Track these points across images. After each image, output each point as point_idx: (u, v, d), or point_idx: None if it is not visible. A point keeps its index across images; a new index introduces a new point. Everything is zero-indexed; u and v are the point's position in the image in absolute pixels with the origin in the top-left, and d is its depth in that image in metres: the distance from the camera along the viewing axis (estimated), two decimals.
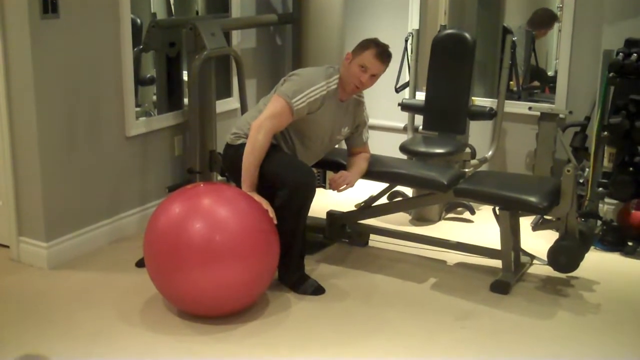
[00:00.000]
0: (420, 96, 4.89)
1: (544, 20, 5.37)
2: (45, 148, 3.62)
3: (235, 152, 3.56)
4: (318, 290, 3.49)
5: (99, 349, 2.95)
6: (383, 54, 3.56)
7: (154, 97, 4.75)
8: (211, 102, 4.41)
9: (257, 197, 3.33)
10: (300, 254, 3.53)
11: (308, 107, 3.47)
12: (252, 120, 3.52)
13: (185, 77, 4.53)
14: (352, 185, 3.69)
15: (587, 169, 4.42)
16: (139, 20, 4.38)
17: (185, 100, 4.49)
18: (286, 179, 3.38)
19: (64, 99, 3.68)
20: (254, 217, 3.17)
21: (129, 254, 3.85)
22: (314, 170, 3.76)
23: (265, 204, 3.31)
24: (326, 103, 3.53)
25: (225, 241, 3.03)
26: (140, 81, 4.48)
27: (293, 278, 3.49)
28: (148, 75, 4.74)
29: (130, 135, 4.08)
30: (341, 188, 3.64)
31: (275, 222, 3.26)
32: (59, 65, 3.62)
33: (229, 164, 3.68)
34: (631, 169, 4.22)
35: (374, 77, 3.58)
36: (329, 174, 3.83)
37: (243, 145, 3.46)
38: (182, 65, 4.61)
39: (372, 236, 4.13)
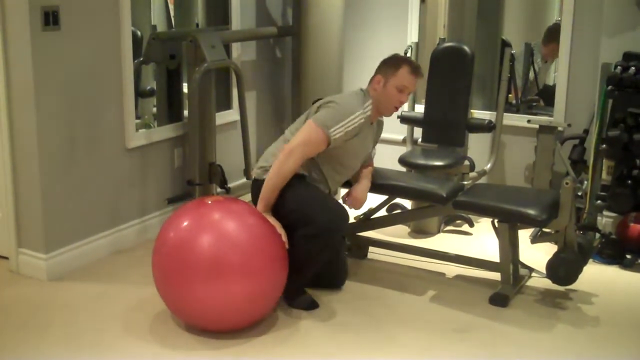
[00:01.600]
0: (420, 109, 4.90)
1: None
2: (45, 159, 3.62)
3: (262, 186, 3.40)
4: (311, 305, 3.44)
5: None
6: (417, 68, 3.54)
7: (154, 109, 4.76)
8: (211, 114, 4.43)
9: (272, 219, 3.26)
10: (306, 280, 3.47)
11: (345, 137, 3.38)
12: (278, 152, 3.43)
13: (185, 89, 4.55)
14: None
15: (585, 182, 4.43)
16: (139, 33, 4.40)
17: (185, 112, 4.51)
18: (317, 219, 3.25)
19: (65, 111, 3.69)
20: (263, 235, 3.14)
21: (129, 265, 3.86)
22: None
23: (279, 227, 3.24)
24: (362, 130, 3.48)
25: (233, 257, 3.00)
26: (140, 93, 4.50)
27: (289, 291, 3.44)
28: (148, 87, 4.77)
29: (130, 147, 4.09)
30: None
31: (287, 246, 3.22)
32: (60, 77, 3.64)
33: (256, 198, 3.44)
34: (629, 182, 4.23)
35: (409, 94, 3.62)
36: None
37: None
38: (182, 78, 4.63)
39: (371, 248, 4.13)
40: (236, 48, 4.93)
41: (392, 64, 3.52)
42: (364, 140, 3.58)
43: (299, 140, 3.34)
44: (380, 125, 3.79)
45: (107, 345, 3.07)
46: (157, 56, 4.38)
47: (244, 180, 4.86)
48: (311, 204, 3.34)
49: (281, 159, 3.32)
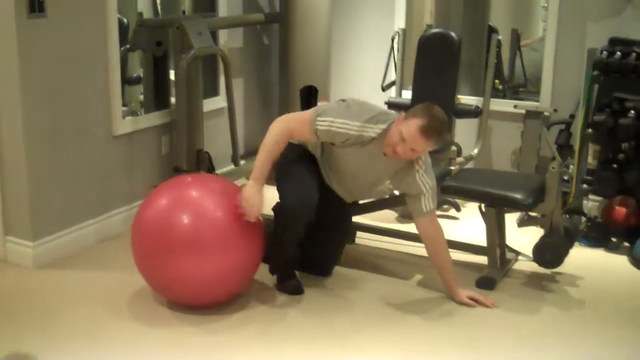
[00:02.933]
0: (407, 95, 4.91)
1: None
2: (31, 147, 3.61)
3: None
4: (296, 290, 3.45)
5: (87, 344, 2.95)
6: (429, 129, 3.07)
7: (141, 97, 4.75)
8: (198, 101, 4.43)
9: (254, 191, 3.15)
10: (285, 262, 3.48)
11: (330, 137, 3.20)
12: None
13: (172, 77, 4.54)
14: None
15: (571, 166, 4.46)
16: (125, 20, 4.38)
17: (172, 100, 4.50)
18: (284, 200, 3.30)
19: (51, 98, 3.68)
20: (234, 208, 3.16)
21: (117, 253, 3.86)
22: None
23: (257, 202, 3.14)
24: (355, 146, 3.21)
25: (209, 233, 3.06)
26: (126, 80, 4.48)
27: (278, 274, 3.52)
28: (135, 75, 4.75)
29: (117, 134, 4.09)
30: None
31: (253, 220, 3.15)
32: (46, 65, 3.62)
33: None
34: (615, 166, 4.26)
35: (414, 152, 3.13)
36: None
37: (290, 143, 3.33)
38: (169, 65, 4.61)
39: (358, 234, 4.14)
40: (223, 35, 4.92)
41: (416, 110, 3.15)
42: (362, 162, 3.30)
43: (293, 114, 3.35)
44: (410, 169, 3.28)
45: (94, 331, 3.07)
46: (144, 43, 4.36)
47: (232, 167, 4.86)
48: (287, 181, 3.34)
49: (271, 126, 3.27)
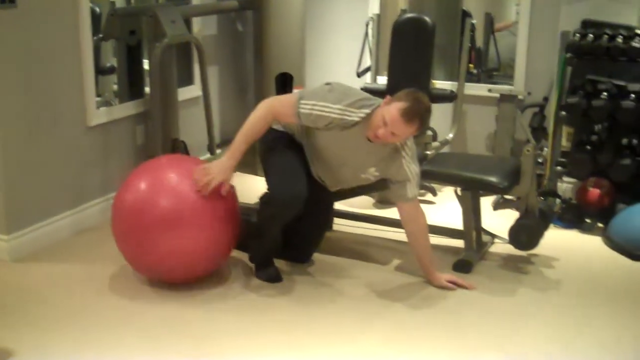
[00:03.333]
0: (382, 80, 4.92)
1: None
2: (4, 139, 3.57)
3: (267, 134, 3.33)
4: (274, 278, 3.44)
5: (66, 335, 2.94)
6: (411, 112, 3.04)
7: (114, 87, 4.71)
8: (173, 90, 4.41)
9: (221, 164, 3.19)
10: (266, 251, 3.49)
11: (312, 120, 3.17)
12: None
13: (146, 66, 4.50)
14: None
15: (545, 149, 4.50)
16: (97, 9, 4.34)
17: (147, 89, 4.47)
18: (273, 190, 3.29)
19: (23, 89, 3.63)
20: (214, 189, 3.21)
21: (93, 245, 3.84)
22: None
23: (217, 173, 3.15)
24: (337, 129, 3.19)
25: (183, 208, 3.15)
26: (99, 70, 4.43)
27: (254, 258, 3.54)
28: (108, 65, 4.70)
29: (91, 125, 4.05)
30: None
31: (224, 193, 3.20)
32: (18, 55, 3.57)
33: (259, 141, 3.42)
34: (588, 147, 4.31)
35: (395, 136, 3.10)
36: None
37: (271, 130, 3.34)
38: (143, 54, 4.58)
39: (336, 220, 4.15)
40: (197, 22, 4.89)
41: (401, 94, 3.12)
42: (349, 145, 3.27)
43: (278, 97, 3.38)
44: (395, 156, 3.27)
45: (74, 320, 3.05)
46: (117, 32, 4.32)
47: (208, 155, 4.84)
48: (275, 172, 3.34)
49: (257, 107, 3.26)
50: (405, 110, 3.05)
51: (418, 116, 3.08)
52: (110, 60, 4.70)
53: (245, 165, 5.25)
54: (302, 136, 3.40)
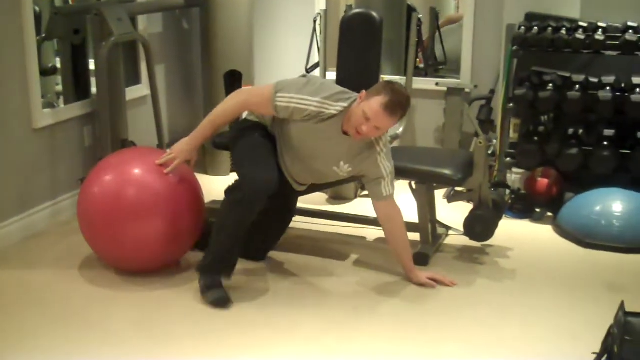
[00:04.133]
0: (331, 76, 4.91)
1: None
2: None
3: (239, 123, 3.45)
4: (220, 302, 3.15)
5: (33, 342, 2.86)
6: (392, 105, 3.06)
7: (57, 88, 4.59)
8: (120, 89, 4.33)
9: (184, 144, 3.29)
10: (219, 258, 3.22)
11: (289, 113, 3.14)
12: None
13: (91, 65, 4.40)
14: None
15: (494, 141, 4.58)
16: (37, 8, 4.22)
17: (93, 89, 4.37)
18: (246, 174, 3.19)
19: None
20: (178, 180, 3.33)
21: (44, 249, 3.74)
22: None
23: (181, 150, 3.28)
24: (312, 122, 3.15)
25: (150, 201, 3.25)
26: (41, 71, 4.31)
27: (205, 280, 3.23)
28: (50, 65, 4.58)
29: (37, 127, 3.94)
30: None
31: (169, 169, 3.25)
32: None
33: (230, 130, 3.53)
34: (536, 138, 4.39)
35: (379, 129, 3.12)
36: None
37: (245, 120, 3.42)
38: (88, 53, 4.47)
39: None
40: (142, 20, 4.80)
41: (378, 87, 3.13)
42: (319, 138, 3.22)
43: (253, 88, 3.34)
44: (370, 152, 3.25)
45: (29, 327, 2.98)
46: (60, 32, 4.22)
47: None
48: (246, 158, 3.27)
49: (229, 96, 3.27)
50: (386, 103, 3.04)
51: (400, 107, 3.09)
52: (52, 61, 4.58)
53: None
54: (275, 127, 3.34)
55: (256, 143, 3.32)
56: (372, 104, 3.06)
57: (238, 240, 3.21)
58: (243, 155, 3.31)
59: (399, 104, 3.09)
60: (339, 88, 3.25)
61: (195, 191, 3.46)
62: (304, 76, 3.29)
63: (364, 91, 3.16)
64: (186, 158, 3.29)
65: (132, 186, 3.28)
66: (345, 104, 3.15)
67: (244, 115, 3.46)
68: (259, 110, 3.28)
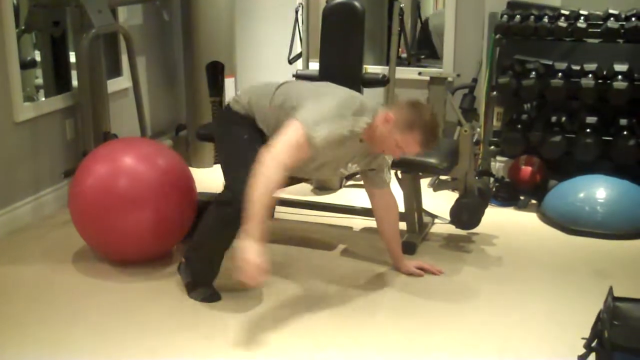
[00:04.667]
0: (314, 66, 4.90)
1: None
2: None
3: (224, 114, 3.27)
4: (210, 298, 3.11)
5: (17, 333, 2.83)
6: (429, 141, 2.96)
7: (37, 81, 4.54)
8: (102, 82, 4.28)
9: (254, 252, 2.68)
10: (208, 266, 3.11)
11: (328, 144, 2.87)
12: (260, 100, 3.10)
13: (72, 58, 4.35)
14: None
15: (477, 129, 4.59)
16: (15, 0, 4.16)
17: (74, 82, 4.32)
18: (237, 187, 2.86)
19: None
20: (169, 170, 3.38)
21: (28, 244, 3.70)
22: None
23: (258, 263, 2.68)
24: (342, 141, 2.96)
25: (144, 193, 3.28)
26: (20, 65, 4.26)
27: (193, 278, 3.15)
28: (29, 58, 4.51)
29: (18, 120, 3.89)
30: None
31: (256, 285, 2.77)
32: None
33: (221, 121, 3.30)
34: (519, 126, 4.41)
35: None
36: None
37: (229, 110, 3.20)
38: (68, 45, 4.42)
39: (277, 208, 4.13)
40: (122, 12, 4.75)
41: (410, 121, 2.92)
42: (342, 151, 3.06)
43: (282, 144, 2.78)
44: (380, 154, 3.17)
45: (20, 319, 2.95)
46: (40, 24, 4.17)
47: None
48: (238, 165, 2.96)
49: (264, 169, 2.73)
50: (423, 141, 2.95)
51: (435, 141, 3.01)
52: (31, 54, 4.52)
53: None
54: (269, 127, 3.10)
55: (246, 145, 3.05)
56: (408, 140, 2.94)
57: (223, 255, 3.09)
58: (232, 160, 3.08)
59: (434, 138, 2.99)
60: (349, 95, 3.05)
61: (188, 182, 3.48)
62: (294, 75, 3.15)
63: (392, 116, 2.94)
64: (262, 259, 2.71)
65: (124, 176, 3.29)
66: (368, 120, 2.98)
67: (229, 102, 3.27)
68: (300, 159, 2.87)
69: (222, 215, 2.96)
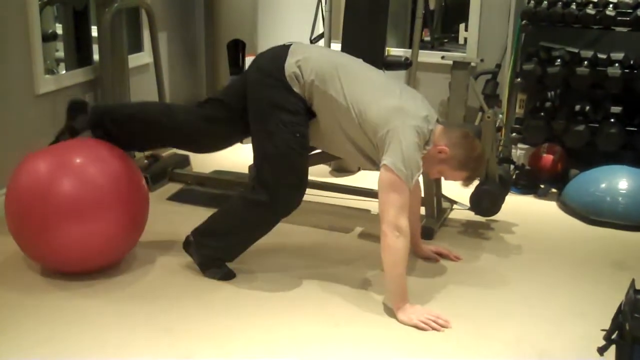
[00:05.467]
0: (336, 47, 4.86)
1: None
2: None
3: (278, 87, 2.91)
4: (227, 276, 3.11)
5: None
6: (473, 179, 3.10)
7: (57, 54, 4.53)
8: (123, 57, 4.27)
9: (415, 311, 2.82)
10: (232, 253, 3.13)
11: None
12: (328, 89, 2.88)
13: (94, 32, 4.34)
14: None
15: (500, 115, 4.54)
16: None
17: (95, 56, 4.31)
18: (281, 194, 2.93)
19: None
20: (119, 175, 3.05)
21: None
22: None
23: (428, 314, 2.81)
24: None
25: (90, 194, 2.94)
26: (42, 37, 4.25)
27: (206, 257, 3.12)
28: (50, 31, 4.51)
29: (39, 93, 3.89)
30: None
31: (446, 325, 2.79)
32: None
33: (264, 90, 2.96)
34: (542, 114, 4.36)
35: None
36: None
37: (290, 91, 2.90)
38: (90, 19, 4.40)
39: None
40: None
41: (463, 162, 2.93)
42: None
43: (395, 208, 2.76)
44: None
45: None
46: None
47: None
48: (287, 170, 2.92)
49: (388, 239, 2.76)
50: (468, 179, 3.05)
51: (474, 178, 3.13)
52: (52, 27, 4.51)
53: None
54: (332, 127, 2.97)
55: (298, 148, 2.91)
56: (455, 176, 3.01)
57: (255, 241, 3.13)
58: (278, 160, 2.92)
59: (478, 176, 3.13)
60: (423, 117, 2.87)
61: (138, 184, 3.17)
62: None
63: (448, 150, 2.91)
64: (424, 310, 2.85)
65: (67, 179, 2.94)
66: (429, 147, 2.91)
67: (285, 70, 2.91)
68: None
69: (259, 216, 3.01)
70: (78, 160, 3.00)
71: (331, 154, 3.28)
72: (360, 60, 3.14)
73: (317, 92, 2.91)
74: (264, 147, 2.95)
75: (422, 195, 3.65)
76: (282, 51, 3.00)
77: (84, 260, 3.02)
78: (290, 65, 2.91)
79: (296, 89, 2.91)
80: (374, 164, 2.96)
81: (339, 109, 2.90)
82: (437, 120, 2.99)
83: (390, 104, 2.86)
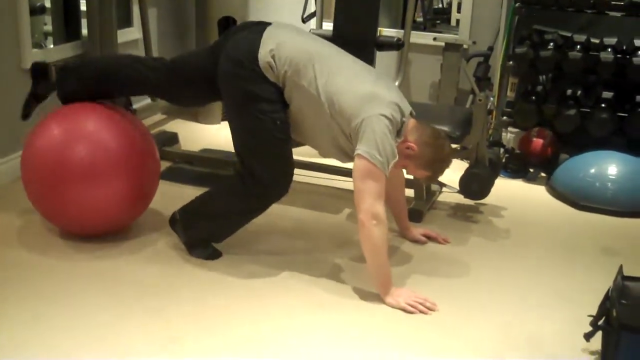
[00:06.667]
0: (328, 26, 4.81)
1: None
2: None
3: (251, 77, 2.84)
4: (212, 255, 3.11)
5: None
6: (435, 179, 3.15)
7: (45, 28, 4.47)
8: (112, 32, 4.22)
9: (403, 294, 2.83)
10: (219, 235, 3.14)
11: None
12: (301, 79, 2.81)
13: (83, 6, 4.27)
14: None
15: (491, 98, 4.53)
16: None
17: (84, 30, 4.26)
18: (271, 177, 2.92)
19: None
20: (132, 139, 3.12)
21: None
22: None
23: (416, 296, 2.83)
24: None
25: (103, 157, 3.01)
26: (30, 11, 4.18)
27: (192, 238, 3.13)
28: (38, 4, 4.44)
29: (27, 67, 3.83)
30: None
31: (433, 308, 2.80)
32: None
33: (238, 83, 2.90)
34: (534, 98, 4.35)
35: None
36: None
37: (265, 80, 2.84)
38: None
39: None
40: None
41: (430, 162, 2.92)
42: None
43: (371, 196, 2.73)
44: None
45: None
46: None
47: (149, 101, 4.70)
48: (272, 155, 2.91)
49: (366, 229, 2.75)
50: (428, 179, 3.13)
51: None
52: (40, 0, 4.45)
53: (185, 112, 5.14)
54: (306, 108, 2.90)
55: (281, 134, 2.88)
56: (419, 173, 3.02)
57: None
58: (264, 149, 2.90)
59: (440, 175, 3.07)
60: (395, 106, 2.82)
61: (151, 150, 3.24)
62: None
63: (413, 145, 2.87)
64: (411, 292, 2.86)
65: (81, 142, 3.01)
66: (399, 139, 2.86)
67: (258, 60, 2.83)
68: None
69: (250, 203, 3.01)
70: (88, 123, 3.08)
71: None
72: (336, 47, 3.08)
73: (290, 83, 2.86)
74: (247, 142, 2.92)
75: (413, 177, 3.65)
76: (254, 39, 2.89)
77: (92, 223, 3.11)
78: (264, 55, 2.84)
79: (271, 78, 2.85)
80: (346, 156, 2.93)
81: (310, 100, 2.84)
82: (411, 114, 2.96)
83: (363, 90, 2.82)
